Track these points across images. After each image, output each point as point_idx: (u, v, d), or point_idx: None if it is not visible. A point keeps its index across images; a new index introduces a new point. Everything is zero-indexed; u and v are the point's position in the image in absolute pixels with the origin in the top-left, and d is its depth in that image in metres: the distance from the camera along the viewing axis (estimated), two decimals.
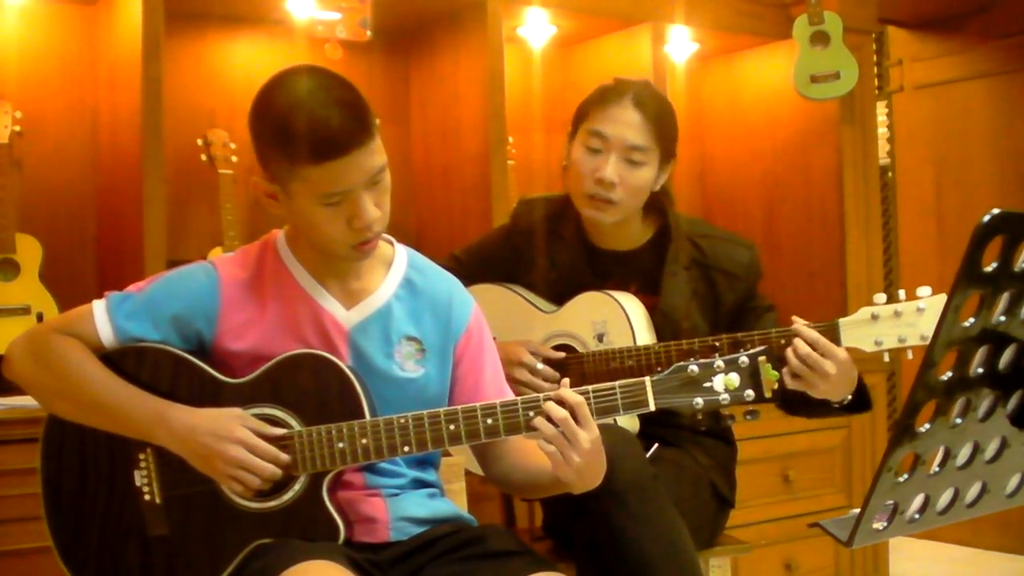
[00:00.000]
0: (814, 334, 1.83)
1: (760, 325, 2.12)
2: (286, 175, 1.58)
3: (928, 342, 1.82)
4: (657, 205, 2.21)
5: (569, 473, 1.54)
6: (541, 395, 1.57)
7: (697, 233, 2.19)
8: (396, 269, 1.75)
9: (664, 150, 2.14)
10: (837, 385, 1.85)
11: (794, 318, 1.88)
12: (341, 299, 1.70)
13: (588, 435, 1.53)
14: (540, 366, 2.11)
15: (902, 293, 1.87)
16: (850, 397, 1.93)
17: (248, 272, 1.70)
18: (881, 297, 1.88)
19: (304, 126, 1.53)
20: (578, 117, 2.18)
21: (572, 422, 1.53)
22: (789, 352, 1.82)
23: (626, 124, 2.10)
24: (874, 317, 1.87)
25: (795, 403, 1.98)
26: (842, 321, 1.89)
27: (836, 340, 1.87)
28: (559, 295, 2.20)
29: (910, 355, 1.88)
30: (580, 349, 2.15)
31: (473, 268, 2.27)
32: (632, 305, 2.12)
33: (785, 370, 1.82)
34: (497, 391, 1.77)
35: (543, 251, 2.24)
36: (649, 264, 2.18)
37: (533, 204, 2.31)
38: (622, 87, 2.14)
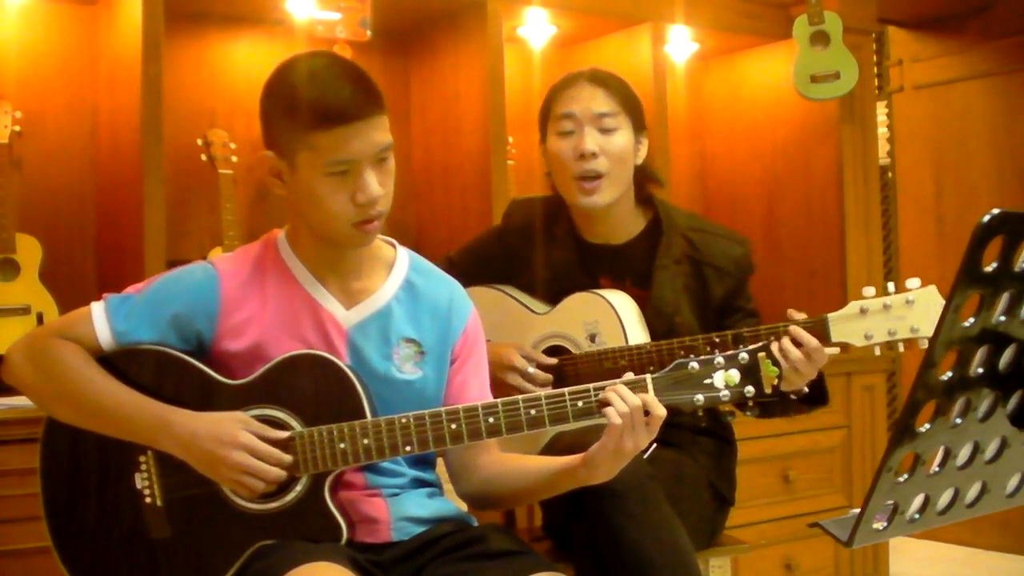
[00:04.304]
0: (809, 338, 1.80)
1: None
2: (294, 145, 1.59)
3: (918, 334, 1.84)
4: (646, 195, 2.23)
5: (610, 451, 1.56)
6: (618, 382, 1.59)
7: (692, 227, 2.20)
8: (397, 271, 1.75)
9: (633, 117, 2.18)
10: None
11: (791, 312, 1.88)
12: (341, 299, 1.70)
13: (649, 437, 1.57)
14: (532, 370, 2.11)
15: (891, 286, 1.86)
16: (807, 388, 1.92)
17: (248, 271, 1.70)
18: (870, 290, 1.87)
19: (316, 93, 1.58)
20: (543, 117, 2.23)
21: (642, 414, 1.56)
22: (775, 348, 1.81)
23: (589, 97, 2.15)
24: (863, 311, 1.86)
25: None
26: (831, 316, 1.87)
27: (825, 335, 1.87)
28: (553, 294, 2.21)
29: (901, 348, 1.88)
30: (574, 350, 2.15)
31: (466, 269, 2.27)
32: (623, 304, 2.12)
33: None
34: (480, 396, 1.76)
35: (536, 250, 2.25)
36: (642, 257, 2.19)
37: (525, 204, 2.33)
38: (573, 75, 2.21)
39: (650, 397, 1.57)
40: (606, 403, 1.57)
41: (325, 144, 1.57)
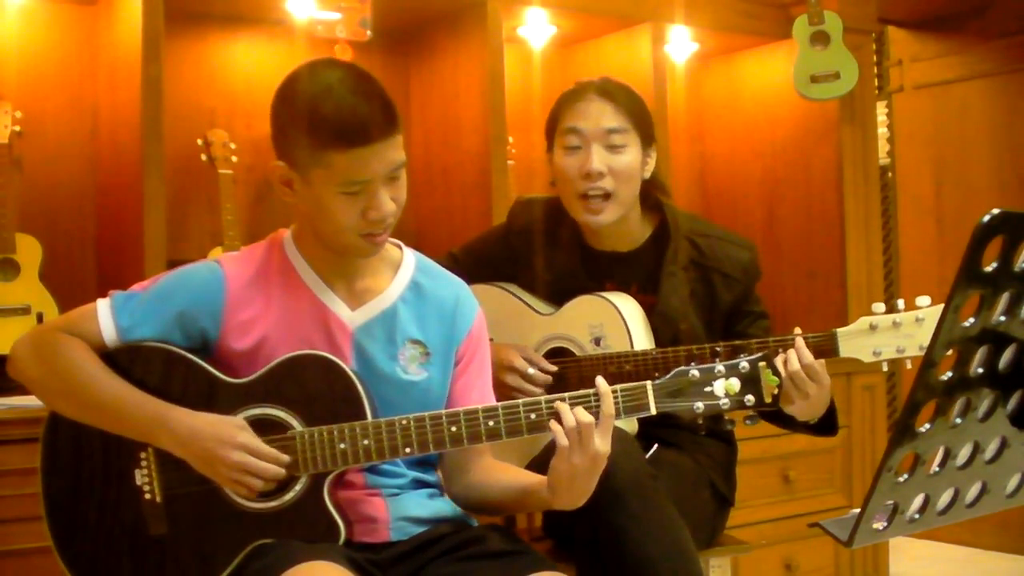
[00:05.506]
0: (809, 356, 1.82)
1: (751, 332, 2.12)
2: (308, 161, 1.58)
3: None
4: (653, 202, 2.21)
5: (562, 472, 1.55)
6: (566, 395, 1.58)
7: (697, 232, 2.19)
8: (404, 272, 1.75)
9: (642, 132, 2.14)
10: (812, 407, 1.89)
11: (797, 330, 1.88)
12: (347, 300, 1.70)
13: (596, 449, 1.54)
14: (532, 371, 2.10)
15: (901, 303, 1.86)
16: (814, 420, 1.96)
17: (254, 270, 1.70)
18: (880, 307, 1.87)
19: (334, 112, 1.55)
20: (550, 127, 2.20)
21: (577, 432, 1.54)
22: (779, 362, 1.81)
23: (598, 113, 2.11)
24: (872, 327, 1.86)
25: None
26: (840, 331, 1.88)
27: (834, 350, 1.88)
28: (556, 296, 2.20)
29: (909, 365, 1.87)
30: (577, 353, 2.14)
31: (470, 267, 2.26)
32: (629, 308, 2.11)
33: None
34: (481, 399, 1.75)
35: (539, 252, 2.23)
36: (648, 264, 2.18)
37: (530, 204, 2.31)
38: (583, 85, 2.17)
39: (580, 410, 1.55)
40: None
41: (342, 164, 1.56)
